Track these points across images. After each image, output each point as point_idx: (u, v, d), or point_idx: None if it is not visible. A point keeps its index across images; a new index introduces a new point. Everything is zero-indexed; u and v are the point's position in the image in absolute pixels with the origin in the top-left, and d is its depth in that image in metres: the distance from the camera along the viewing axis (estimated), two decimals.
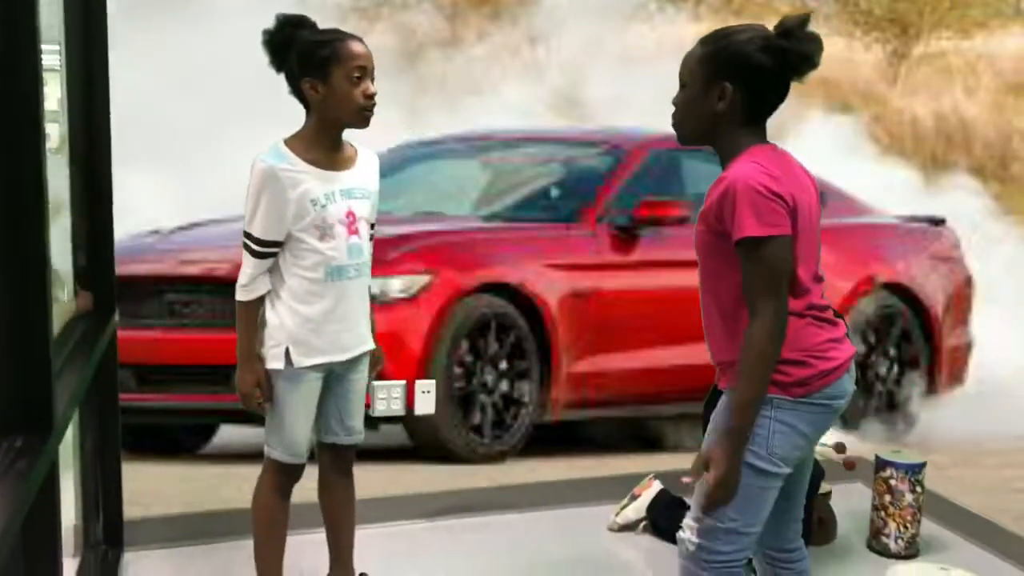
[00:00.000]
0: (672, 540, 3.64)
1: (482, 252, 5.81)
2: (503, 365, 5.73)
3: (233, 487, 4.93)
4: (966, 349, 7.10)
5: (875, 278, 6.68)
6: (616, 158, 6.48)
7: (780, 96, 2.33)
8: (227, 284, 5.53)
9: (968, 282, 7.20)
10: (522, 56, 14.16)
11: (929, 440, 6.28)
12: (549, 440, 5.95)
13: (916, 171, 12.60)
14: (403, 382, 3.84)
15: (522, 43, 14.49)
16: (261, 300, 2.88)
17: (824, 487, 3.71)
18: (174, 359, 5.52)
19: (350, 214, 2.86)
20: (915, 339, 6.68)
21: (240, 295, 2.87)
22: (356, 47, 2.80)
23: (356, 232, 2.88)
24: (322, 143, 2.83)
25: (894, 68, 15.92)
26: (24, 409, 1.87)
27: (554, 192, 6.57)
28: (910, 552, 3.63)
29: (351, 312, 2.91)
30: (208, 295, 5.57)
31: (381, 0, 14.17)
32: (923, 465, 3.63)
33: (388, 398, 3.89)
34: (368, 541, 3.42)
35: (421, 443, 5.66)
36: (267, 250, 2.81)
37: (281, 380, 2.88)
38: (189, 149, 8.06)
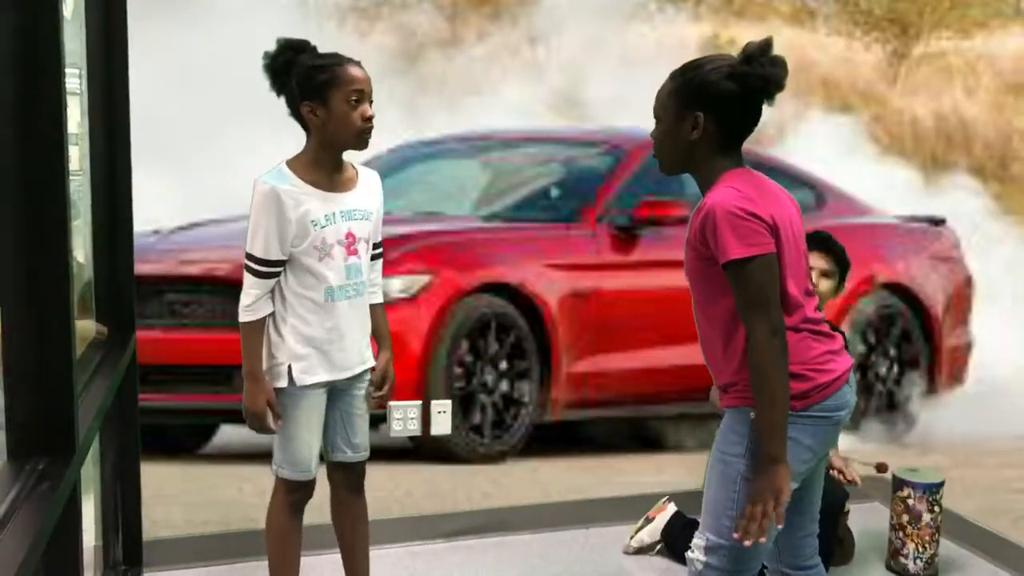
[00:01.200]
0: (678, 555, 3.65)
1: (482, 252, 5.81)
2: (503, 365, 5.73)
3: (234, 487, 4.93)
4: (966, 349, 7.10)
5: (875, 278, 6.67)
6: (616, 158, 6.48)
7: (752, 120, 2.40)
8: (227, 284, 5.56)
9: (968, 282, 7.20)
10: (522, 56, 14.15)
11: (929, 440, 6.28)
12: (549, 440, 5.94)
13: (916, 171, 12.57)
14: (419, 403, 3.84)
15: (522, 43, 14.48)
16: (264, 321, 2.90)
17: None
18: (174, 359, 5.52)
19: (349, 235, 2.91)
20: (915, 339, 6.68)
21: (244, 316, 2.89)
22: (354, 71, 2.84)
23: (355, 253, 2.93)
24: (323, 165, 2.87)
25: (894, 68, 15.90)
26: (47, 432, 1.89)
27: (554, 192, 6.57)
28: (929, 573, 3.60)
29: (350, 331, 2.95)
30: (208, 295, 5.57)
31: (381, 0, 14.16)
32: (941, 484, 3.59)
33: (404, 418, 3.91)
34: (388, 561, 3.42)
35: (421, 443, 5.66)
36: (270, 270, 2.84)
37: (284, 398, 2.91)
38: (189, 149, 8.05)
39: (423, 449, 5.63)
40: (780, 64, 2.36)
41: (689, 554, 2.47)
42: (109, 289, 3.17)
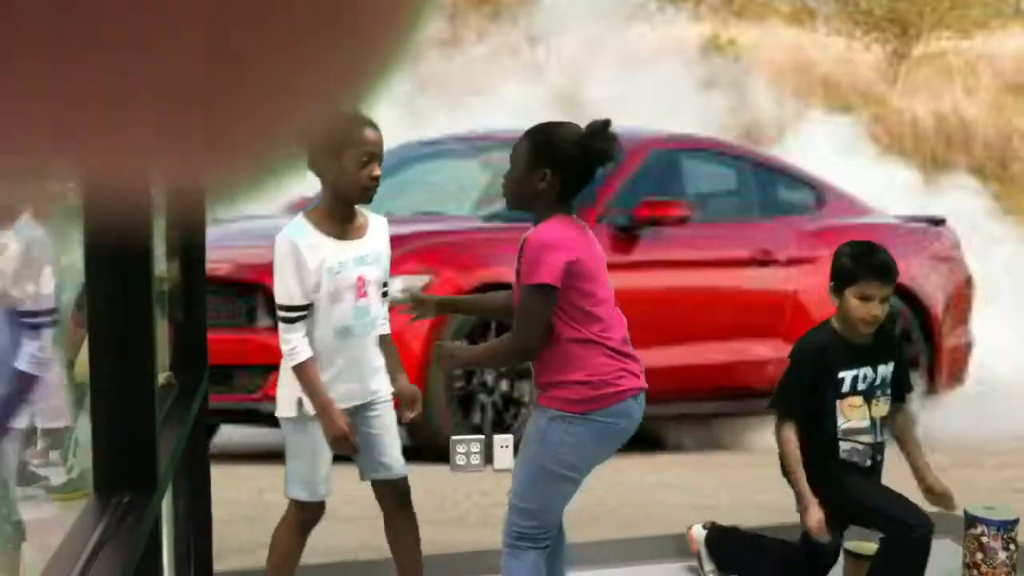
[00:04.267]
0: (730, 569, 3.72)
1: (482, 252, 5.81)
2: None
3: (232, 487, 4.93)
4: (966, 349, 7.10)
5: None
6: (616, 158, 6.49)
7: (587, 180, 2.97)
8: (228, 284, 5.56)
9: (968, 282, 7.20)
10: (522, 56, 14.17)
11: (929, 440, 6.27)
12: None
13: (916, 171, 12.59)
14: (482, 437, 3.90)
15: (522, 43, 14.50)
16: (314, 359, 3.10)
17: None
18: None
19: (360, 279, 3.12)
20: (915, 339, 6.68)
21: (292, 362, 3.09)
22: (370, 134, 3.09)
23: (364, 295, 3.13)
24: (336, 215, 3.12)
25: (894, 68, 15.91)
26: (130, 466, 1.98)
27: None
28: None
29: (357, 367, 3.17)
30: (209, 295, 5.56)
31: None
32: (1016, 521, 3.51)
33: (468, 452, 3.95)
34: None
35: (421, 443, 5.66)
36: (299, 315, 3.08)
37: (294, 426, 3.13)
38: None
39: (422, 449, 5.63)
40: (612, 141, 2.91)
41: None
42: (183, 333, 3.33)
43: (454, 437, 3.73)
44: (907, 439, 3.55)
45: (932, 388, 6.73)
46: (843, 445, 3.42)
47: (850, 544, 3.63)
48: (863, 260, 3.55)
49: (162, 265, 3.25)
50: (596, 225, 6.12)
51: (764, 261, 6.48)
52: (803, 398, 3.37)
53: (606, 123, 2.92)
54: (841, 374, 3.39)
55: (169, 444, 2.52)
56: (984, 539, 3.51)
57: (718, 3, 16.36)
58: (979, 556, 3.52)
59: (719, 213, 6.82)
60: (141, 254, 1.99)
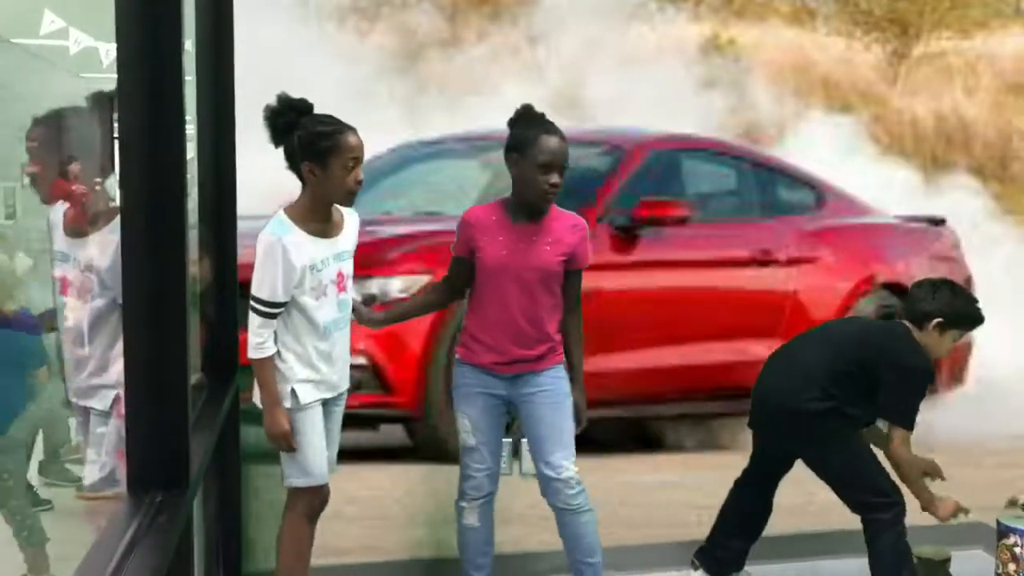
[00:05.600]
0: None
1: None
2: None
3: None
4: (966, 349, 7.10)
5: (875, 278, 6.68)
6: (616, 158, 6.48)
7: None
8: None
9: (968, 282, 7.19)
10: (522, 56, 14.16)
11: (929, 440, 6.27)
12: None
13: (916, 171, 12.59)
14: (510, 440, 3.84)
15: (522, 43, 14.49)
16: (273, 356, 3.22)
17: (944, 553, 3.62)
18: None
19: (340, 274, 3.26)
20: None
21: (256, 354, 3.19)
22: (352, 140, 3.18)
23: (344, 289, 3.28)
24: (317, 214, 3.22)
25: (894, 68, 15.91)
26: (163, 466, 2.03)
27: None
28: None
29: (338, 356, 3.32)
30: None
31: (381, 0, 14.17)
32: None
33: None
34: None
35: (421, 443, 5.66)
36: (275, 311, 3.18)
37: (292, 416, 3.22)
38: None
39: (422, 449, 5.63)
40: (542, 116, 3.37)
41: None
42: (214, 333, 3.41)
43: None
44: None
45: (932, 388, 6.72)
46: None
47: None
48: (975, 316, 3.67)
49: (193, 266, 3.28)
50: (596, 225, 6.12)
51: (764, 261, 6.48)
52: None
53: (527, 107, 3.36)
54: None
55: (201, 444, 2.54)
56: (1017, 549, 3.47)
57: (718, 3, 16.35)
58: (1012, 567, 3.48)
59: (719, 213, 6.82)
60: (175, 256, 2.02)
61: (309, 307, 3.19)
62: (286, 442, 3.20)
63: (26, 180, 3.50)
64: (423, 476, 5.26)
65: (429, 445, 5.60)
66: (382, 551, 4.33)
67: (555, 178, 3.27)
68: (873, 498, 3.40)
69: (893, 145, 14.12)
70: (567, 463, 3.48)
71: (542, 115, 3.36)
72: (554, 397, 3.51)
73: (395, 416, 5.68)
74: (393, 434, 5.81)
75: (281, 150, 3.18)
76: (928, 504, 3.46)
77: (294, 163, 3.18)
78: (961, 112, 15.02)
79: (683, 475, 5.75)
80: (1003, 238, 10.59)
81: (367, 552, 4.23)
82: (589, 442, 6.29)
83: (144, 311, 2.00)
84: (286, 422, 3.18)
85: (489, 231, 3.36)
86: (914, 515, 3.55)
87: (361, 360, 5.18)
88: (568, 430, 3.55)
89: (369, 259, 4.55)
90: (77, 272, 3.27)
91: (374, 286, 5.49)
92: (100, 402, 3.10)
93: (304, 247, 3.16)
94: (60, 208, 3.32)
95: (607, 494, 4.88)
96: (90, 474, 3.32)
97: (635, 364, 6.02)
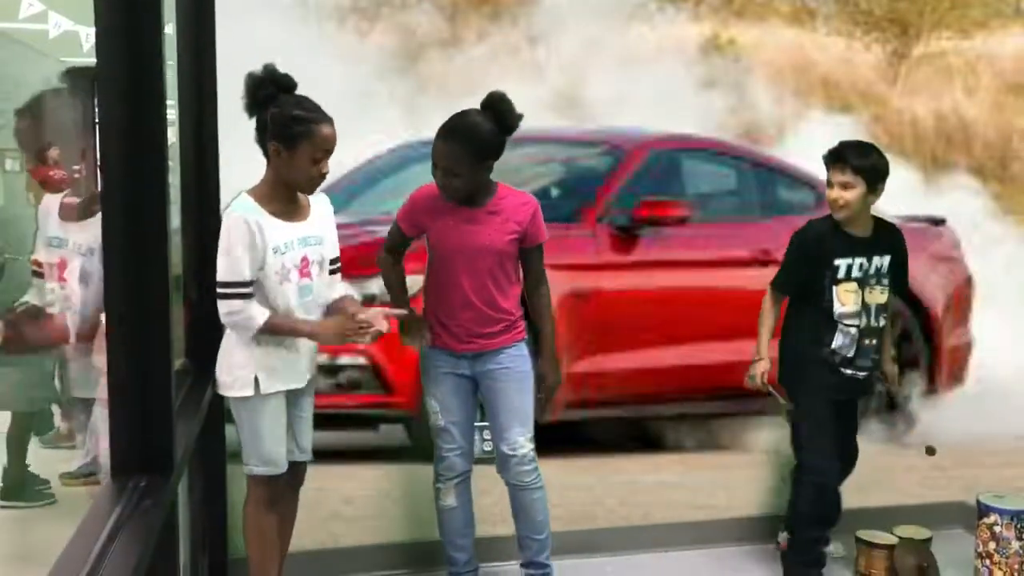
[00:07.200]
0: None
1: None
2: None
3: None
4: (966, 349, 7.09)
5: None
6: (616, 158, 6.48)
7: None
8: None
9: (968, 282, 7.19)
10: (522, 56, 14.13)
11: (929, 440, 6.27)
12: (549, 440, 5.93)
13: (916, 171, 12.56)
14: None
15: (522, 43, 14.46)
16: (271, 315, 3.17)
17: (924, 533, 3.61)
18: None
19: (304, 259, 3.21)
20: (915, 339, 6.67)
21: (251, 330, 3.14)
22: (327, 132, 3.14)
23: (308, 275, 3.22)
24: (280, 196, 3.19)
25: (894, 68, 15.88)
26: (147, 451, 2.04)
27: (554, 192, 6.57)
28: None
29: (303, 344, 3.28)
30: None
31: (381, 0, 14.15)
32: None
33: (483, 440, 4.00)
34: None
35: (421, 443, 5.64)
36: (246, 291, 3.11)
37: (251, 404, 3.19)
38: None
39: (421, 449, 5.62)
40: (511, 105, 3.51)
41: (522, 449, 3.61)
42: (198, 319, 3.42)
43: (477, 424, 3.80)
44: (884, 333, 4.07)
45: (932, 388, 6.72)
46: (837, 332, 3.79)
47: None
48: (826, 152, 3.87)
49: (176, 251, 3.27)
50: (596, 225, 6.12)
51: (764, 261, 6.47)
52: (799, 277, 3.70)
53: (500, 95, 3.49)
54: (837, 261, 3.66)
55: (185, 429, 2.53)
56: (997, 528, 3.49)
57: (718, 3, 16.33)
58: (992, 545, 3.50)
59: (719, 213, 6.81)
60: (157, 241, 2.02)
61: (270, 291, 3.15)
62: (352, 327, 3.15)
63: (7, 165, 3.50)
64: (422, 476, 5.26)
65: (429, 446, 5.59)
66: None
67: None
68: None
69: (893, 145, 14.08)
70: (522, 439, 3.49)
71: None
72: (513, 375, 3.51)
73: (395, 416, 5.67)
74: (393, 434, 5.79)
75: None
76: (756, 355, 4.14)
77: (262, 138, 3.14)
78: (961, 112, 15.00)
79: (683, 475, 5.75)
80: (1003, 238, 10.57)
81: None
82: (589, 442, 6.33)
83: (126, 296, 2.00)
84: (332, 323, 3.18)
85: (438, 213, 3.36)
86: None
87: (361, 360, 5.18)
88: (526, 408, 3.55)
89: (369, 259, 4.55)
90: (77, 256, 3.27)
91: (374, 286, 5.49)
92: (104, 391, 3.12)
93: (266, 229, 3.12)
94: (54, 196, 3.32)
95: (607, 494, 4.88)
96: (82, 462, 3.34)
97: (635, 364, 6.02)
